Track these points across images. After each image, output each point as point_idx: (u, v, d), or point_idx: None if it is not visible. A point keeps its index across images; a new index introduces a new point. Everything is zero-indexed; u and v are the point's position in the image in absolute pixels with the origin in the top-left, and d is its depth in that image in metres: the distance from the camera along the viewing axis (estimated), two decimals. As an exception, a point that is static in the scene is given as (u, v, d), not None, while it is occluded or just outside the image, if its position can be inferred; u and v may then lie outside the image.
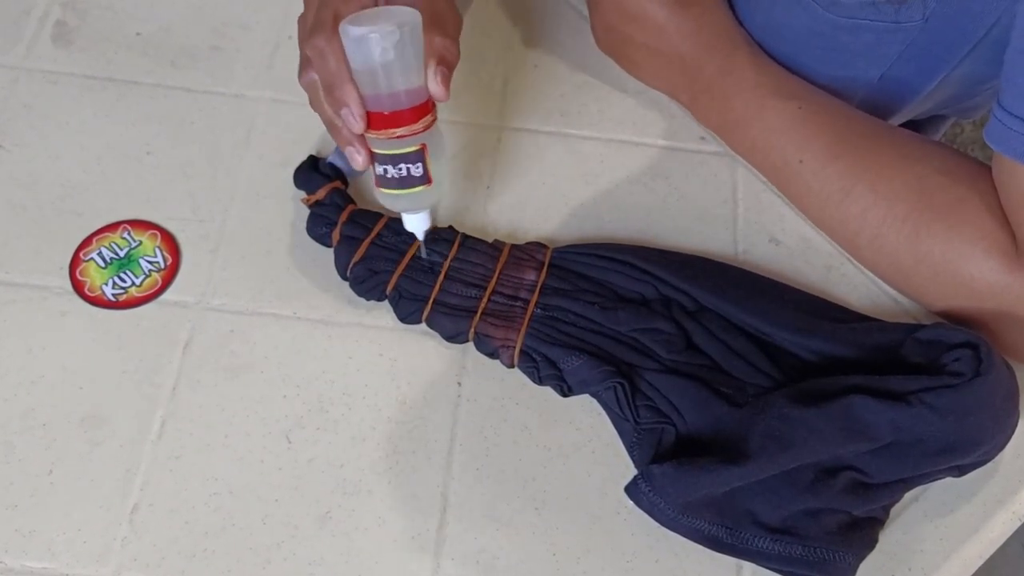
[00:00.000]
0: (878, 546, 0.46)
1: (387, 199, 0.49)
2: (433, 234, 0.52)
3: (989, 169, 0.51)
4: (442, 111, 0.59)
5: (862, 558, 0.45)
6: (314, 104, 0.49)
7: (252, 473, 0.47)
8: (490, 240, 0.53)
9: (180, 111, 0.58)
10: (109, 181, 0.55)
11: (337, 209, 0.53)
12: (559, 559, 0.46)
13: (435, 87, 0.46)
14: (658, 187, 0.57)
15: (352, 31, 0.43)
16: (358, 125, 0.46)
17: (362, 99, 0.45)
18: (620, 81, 0.61)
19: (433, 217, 0.51)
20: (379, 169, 0.48)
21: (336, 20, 0.45)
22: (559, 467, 0.48)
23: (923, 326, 0.47)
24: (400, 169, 0.47)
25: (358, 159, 0.47)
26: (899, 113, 0.62)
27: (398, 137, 0.46)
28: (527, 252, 0.53)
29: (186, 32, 0.61)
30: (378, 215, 0.53)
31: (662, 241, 0.55)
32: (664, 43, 0.56)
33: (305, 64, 0.48)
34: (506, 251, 0.52)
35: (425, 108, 0.46)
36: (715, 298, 0.50)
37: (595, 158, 0.59)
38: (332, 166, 0.55)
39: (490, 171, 0.58)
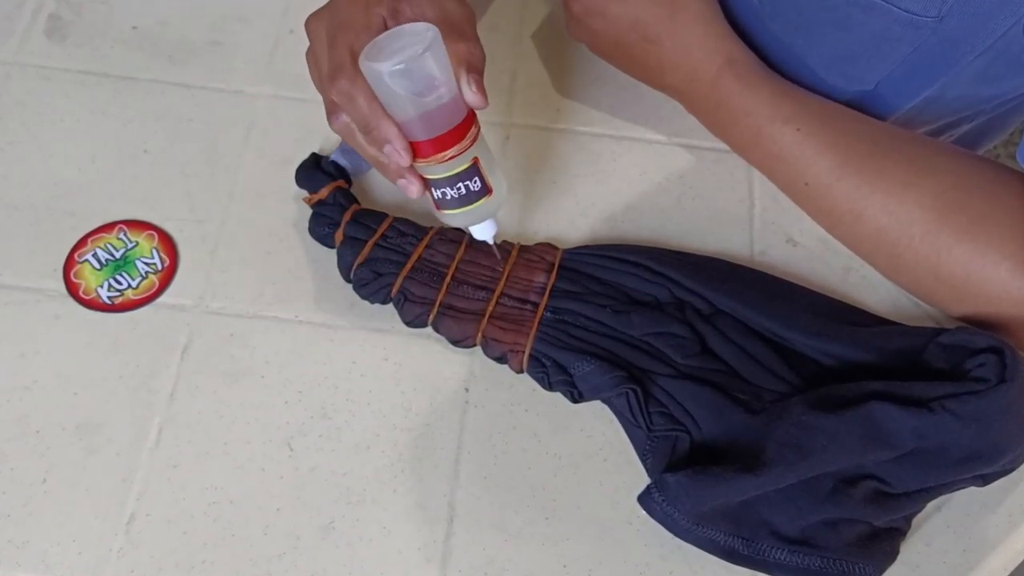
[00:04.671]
0: (899, 558, 0.45)
1: (451, 219, 0.47)
2: (439, 235, 0.52)
3: (1011, 172, 0.50)
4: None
5: (883, 570, 0.45)
6: (353, 144, 0.47)
7: (253, 482, 0.47)
8: (498, 241, 0.52)
9: (178, 108, 0.58)
10: (105, 180, 0.55)
11: (340, 209, 0.52)
12: (569, 571, 0.45)
13: (471, 96, 0.44)
14: (672, 186, 0.57)
15: (376, 68, 0.41)
16: (405, 159, 0.44)
17: (402, 132, 0.44)
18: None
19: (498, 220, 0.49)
20: (436, 193, 0.46)
21: (354, 57, 0.44)
22: (569, 476, 0.48)
23: (946, 330, 0.47)
24: (459, 188, 0.45)
25: (412, 189, 0.46)
26: None
27: (450, 159, 0.44)
28: (536, 253, 0.52)
29: (184, 26, 0.61)
30: (382, 215, 0.52)
31: (676, 242, 0.55)
32: (653, 80, 0.56)
33: (332, 108, 0.46)
34: (514, 252, 0.52)
35: (469, 121, 0.45)
36: (731, 301, 0.49)
37: (607, 156, 0.58)
38: (335, 164, 0.54)
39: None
